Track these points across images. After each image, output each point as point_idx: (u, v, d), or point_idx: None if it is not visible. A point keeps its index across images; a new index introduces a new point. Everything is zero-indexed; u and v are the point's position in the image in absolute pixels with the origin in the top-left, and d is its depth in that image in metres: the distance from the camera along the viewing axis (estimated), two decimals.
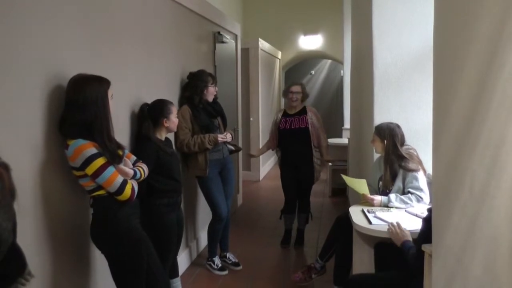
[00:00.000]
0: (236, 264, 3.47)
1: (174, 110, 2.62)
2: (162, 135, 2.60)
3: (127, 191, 1.88)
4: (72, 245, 1.97)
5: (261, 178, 7.02)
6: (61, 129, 1.80)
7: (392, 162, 2.58)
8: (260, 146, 6.85)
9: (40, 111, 1.75)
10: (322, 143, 3.84)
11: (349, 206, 2.73)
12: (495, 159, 0.99)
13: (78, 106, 1.78)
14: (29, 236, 1.68)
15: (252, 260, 3.62)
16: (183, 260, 3.33)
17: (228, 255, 3.51)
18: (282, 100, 9.49)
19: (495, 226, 1.01)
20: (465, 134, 1.15)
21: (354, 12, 4.58)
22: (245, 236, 4.21)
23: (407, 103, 2.93)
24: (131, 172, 1.96)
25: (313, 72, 10.82)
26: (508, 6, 0.99)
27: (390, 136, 2.60)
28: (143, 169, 2.07)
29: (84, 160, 1.76)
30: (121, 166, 1.92)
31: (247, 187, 6.17)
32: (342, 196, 5.69)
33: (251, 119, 6.80)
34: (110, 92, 1.89)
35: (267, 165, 7.56)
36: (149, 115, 2.53)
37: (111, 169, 1.83)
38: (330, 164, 5.73)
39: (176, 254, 2.79)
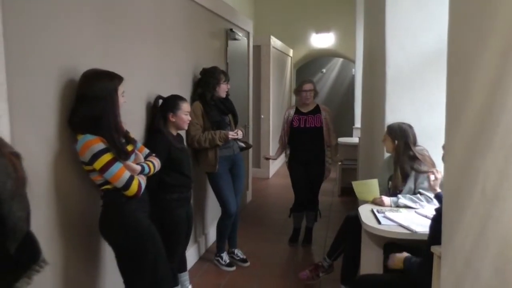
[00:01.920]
0: (243, 261, 3.48)
1: (185, 107, 2.62)
2: (172, 130, 2.62)
3: (134, 187, 1.90)
4: (83, 235, 2.01)
5: (270, 176, 7.02)
6: (70, 123, 1.82)
7: (403, 163, 2.57)
8: (271, 144, 6.88)
9: (55, 104, 1.77)
10: (332, 142, 3.85)
11: (358, 206, 2.72)
12: (509, 160, 0.98)
13: (87, 101, 1.81)
14: (42, 226, 1.71)
15: (260, 257, 3.63)
16: (191, 255, 3.36)
17: (236, 251, 3.53)
18: (293, 98, 9.48)
19: (507, 229, 1.00)
20: (478, 134, 1.14)
21: (367, 10, 4.54)
22: (254, 233, 4.22)
23: (419, 102, 2.90)
24: (138, 168, 1.98)
25: (324, 70, 10.78)
26: None
27: (402, 137, 2.58)
28: (154, 164, 2.09)
29: (92, 155, 1.79)
30: (128, 162, 1.93)
31: (256, 184, 6.19)
32: (351, 195, 5.64)
33: (262, 116, 6.80)
34: (121, 89, 1.91)
35: (277, 162, 7.55)
36: (160, 109, 2.56)
37: (118, 165, 1.85)
38: (339, 163, 5.70)
39: (185, 249, 2.82)
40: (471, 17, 1.27)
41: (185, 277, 2.85)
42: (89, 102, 1.80)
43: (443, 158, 1.88)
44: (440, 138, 2.57)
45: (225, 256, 3.44)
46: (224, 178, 3.30)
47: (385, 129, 2.77)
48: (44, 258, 0.84)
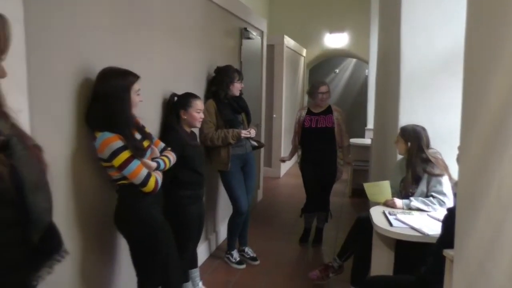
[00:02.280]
0: (253, 259, 3.50)
1: (197, 105, 2.62)
2: (186, 127, 2.65)
3: (151, 184, 1.94)
4: (99, 228, 2.06)
5: (281, 175, 7.03)
6: (87, 121, 1.86)
7: (415, 165, 2.55)
8: (282, 144, 6.88)
9: (72, 102, 1.81)
10: (344, 143, 3.84)
11: (369, 207, 2.72)
12: None
13: (100, 99, 1.84)
14: (60, 218, 1.75)
15: (269, 255, 3.65)
16: (202, 252, 3.39)
17: (246, 249, 3.55)
18: (306, 98, 9.45)
19: None
20: (494, 137, 1.14)
21: (382, 11, 4.51)
22: (264, 232, 4.24)
23: (433, 105, 2.88)
24: (154, 165, 2.01)
25: (337, 70, 10.73)
26: None
27: (415, 139, 2.57)
28: (169, 158, 2.12)
29: (111, 153, 1.82)
30: (145, 159, 1.97)
31: (267, 183, 6.20)
32: (362, 196, 5.62)
33: (274, 115, 6.80)
34: (136, 87, 1.92)
35: (288, 162, 7.55)
36: (173, 106, 2.60)
37: (136, 162, 1.89)
38: (349, 164, 5.67)
39: (196, 246, 2.84)
40: (488, 18, 1.26)
41: (196, 273, 2.88)
42: (101, 100, 1.83)
43: (458, 159, 1.87)
44: (454, 141, 2.55)
45: (235, 254, 3.46)
46: (236, 177, 3.32)
47: (398, 131, 2.76)
48: (65, 248, 0.87)
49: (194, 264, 2.87)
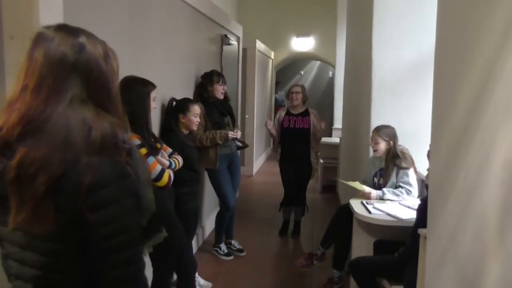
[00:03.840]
0: (240, 251, 3.77)
1: (194, 109, 2.86)
2: (183, 129, 2.87)
3: (165, 178, 2.16)
4: None
5: (254, 173, 7.32)
6: None
7: (394, 160, 2.91)
8: (254, 143, 7.18)
9: None
10: (318, 142, 4.21)
11: (339, 201, 3.04)
12: (486, 158, 1.31)
13: (123, 102, 2.04)
14: None
15: (254, 247, 3.93)
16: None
17: (233, 242, 3.81)
18: (273, 98, 9.82)
19: (484, 208, 1.32)
20: (461, 138, 1.46)
21: (351, 20, 4.90)
22: (246, 226, 4.51)
23: (400, 108, 3.27)
24: (167, 163, 2.24)
25: (302, 72, 11.18)
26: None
27: (393, 137, 2.93)
28: (178, 161, 2.35)
29: None
30: (159, 157, 2.20)
31: (241, 181, 6.44)
32: (332, 192, 6.05)
33: (247, 116, 7.08)
34: (153, 95, 2.16)
35: (259, 160, 7.87)
36: (172, 110, 2.82)
37: (151, 159, 2.11)
38: (321, 161, 6.07)
39: (192, 238, 3.07)
40: (457, 31, 1.52)
41: None
42: (125, 102, 2.03)
43: (428, 155, 2.23)
44: (419, 139, 2.95)
45: (223, 246, 3.71)
46: (224, 175, 3.56)
47: (371, 131, 3.11)
48: (164, 231, 1.11)
49: None
